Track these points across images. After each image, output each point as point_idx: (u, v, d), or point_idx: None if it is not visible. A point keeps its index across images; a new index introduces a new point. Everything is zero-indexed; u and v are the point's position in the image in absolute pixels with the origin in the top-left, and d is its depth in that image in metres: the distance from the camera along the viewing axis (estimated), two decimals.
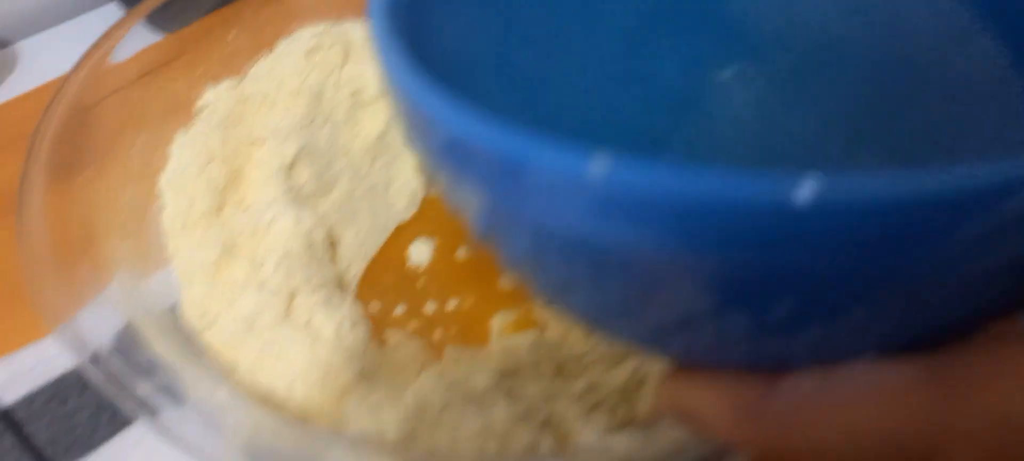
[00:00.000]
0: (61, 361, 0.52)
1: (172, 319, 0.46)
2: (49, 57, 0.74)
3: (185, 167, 0.50)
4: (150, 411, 0.35)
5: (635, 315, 0.19)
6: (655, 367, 0.44)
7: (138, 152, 0.51)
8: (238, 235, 0.49)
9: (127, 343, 0.40)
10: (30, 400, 0.50)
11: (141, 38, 0.53)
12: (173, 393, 0.37)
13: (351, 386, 0.43)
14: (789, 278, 0.15)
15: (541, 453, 0.39)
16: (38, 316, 0.53)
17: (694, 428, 0.22)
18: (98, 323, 0.40)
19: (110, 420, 0.50)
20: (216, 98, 0.54)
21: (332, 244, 0.55)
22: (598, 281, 0.18)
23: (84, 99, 0.48)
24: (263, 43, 0.56)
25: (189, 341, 0.45)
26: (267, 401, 0.42)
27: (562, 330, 0.51)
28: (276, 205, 0.51)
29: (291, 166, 0.53)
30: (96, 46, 0.50)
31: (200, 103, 0.54)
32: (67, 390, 0.51)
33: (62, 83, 0.48)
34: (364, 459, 0.36)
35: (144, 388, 0.36)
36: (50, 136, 0.45)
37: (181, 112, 0.53)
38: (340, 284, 0.52)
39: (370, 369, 0.46)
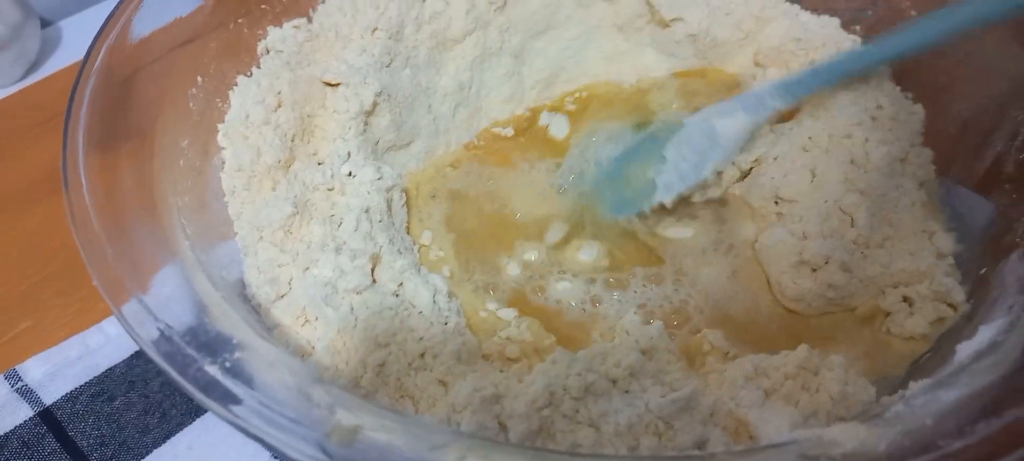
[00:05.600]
0: (107, 353, 0.46)
1: (241, 292, 0.38)
2: (92, 35, 0.71)
3: (248, 114, 0.42)
4: (220, 398, 0.27)
5: None
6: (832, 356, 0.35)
7: (192, 103, 0.43)
8: (311, 192, 0.41)
9: (194, 322, 0.32)
10: (73, 398, 0.44)
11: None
12: (245, 377, 0.29)
13: (453, 370, 0.35)
14: None
15: (713, 450, 0.30)
16: (82, 305, 0.49)
17: None
18: (162, 302, 0.32)
19: (160, 421, 0.43)
20: (282, 38, 0.46)
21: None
22: None
23: (120, 61, 0.41)
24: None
25: (257, 316, 0.36)
26: (355, 385, 0.33)
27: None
28: (355, 157, 0.44)
29: (370, 112, 0.45)
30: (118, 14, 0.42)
31: (264, 44, 0.46)
32: (114, 386, 0.44)
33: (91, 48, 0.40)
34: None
35: (212, 372, 0.28)
36: (87, 106, 0.38)
37: (243, 55, 0.46)
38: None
39: (470, 350, 0.37)
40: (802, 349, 0.35)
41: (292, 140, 0.43)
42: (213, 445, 0.42)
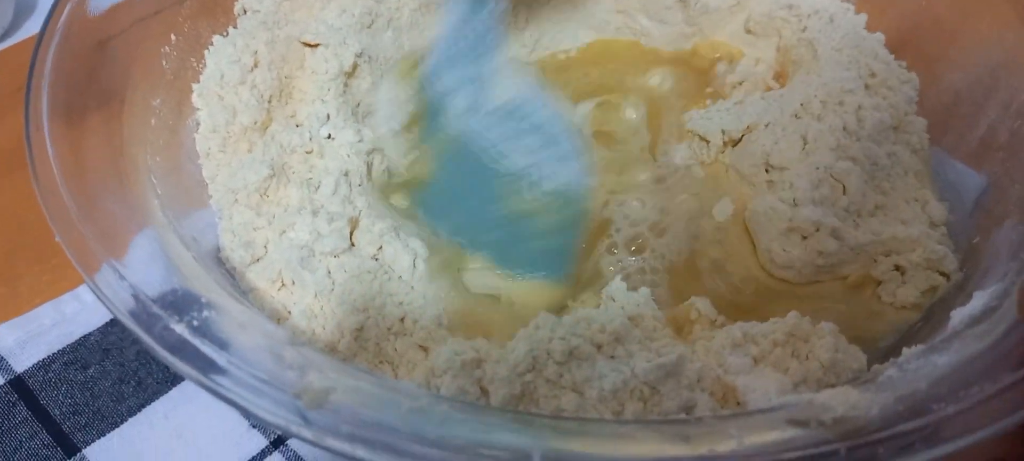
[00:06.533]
0: (82, 320, 0.44)
1: (216, 257, 0.37)
2: None
3: (224, 73, 0.41)
4: (195, 365, 0.26)
5: None
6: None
7: (165, 62, 0.42)
8: (289, 154, 0.40)
9: (164, 284, 0.31)
10: (45, 366, 0.43)
11: None
12: (214, 337, 0.28)
13: (433, 335, 0.34)
14: None
15: (699, 414, 0.29)
16: (55, 274, 0.47)
17: None
18: (132, 266, 0.31)
19: (136, 389, 0.42)
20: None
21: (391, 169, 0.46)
22: None
23: (81, 35, 0.39)
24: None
25: (232, 280, 0.35)
26: (332, 350, 0.32)
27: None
28: (335, 119, 0.42)
29: (350, 74, 0.44)
30: None
31: (240, 4, 0.45)
32: (87, 355, 0.43)
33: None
34: (467, 427, 0.26)
35: (180, 331, 0.27)
36: (51, 68, 0.36)
37: (218, 15, 0.44)
38: (408, 214, 0.43)
39: (456, 315, 0.36)
40: (792, 316, 0.34)
41: (269, 101, 0.42)
42: (190, 414, 0.41)
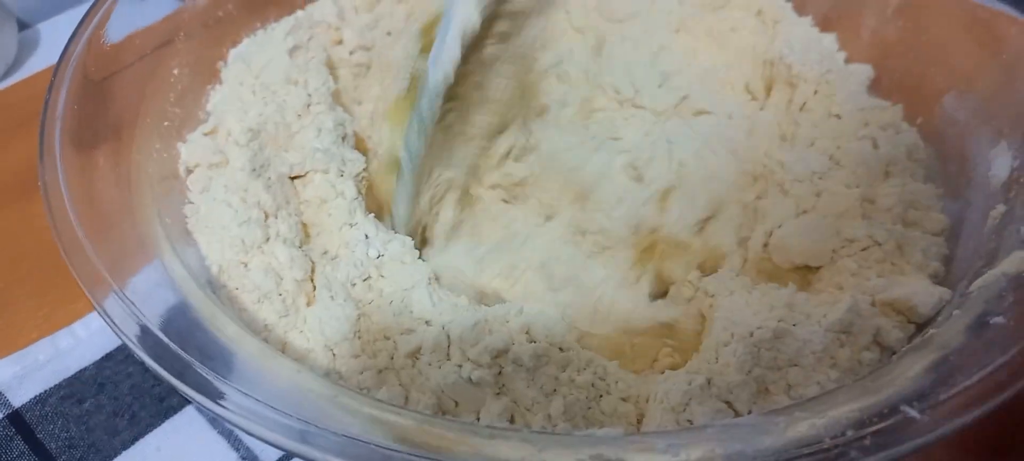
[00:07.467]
0: (77, 354, 0.46)
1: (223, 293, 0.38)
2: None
3: (244, 239, 0.39)
4: (207, 394, 0.28)
5: None
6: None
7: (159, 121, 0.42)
8: (352, 287, 0.38)
9: (183, 321, 0.32)
10: (42, 401, 0.44)
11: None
12: (231, 372, 0.29)
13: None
14: None
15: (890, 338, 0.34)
16: (52, 308, 0.48)
17: None
18: (143, 298, 0.32)
19: (129, 423, 0.43)
20: (212, 152, 0.42)
21: None
22: None
23: (92, 70, 0.40)
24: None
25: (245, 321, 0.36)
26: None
27: None
28: (375, 237, 0.40)
29: (367, 193, 0.43)
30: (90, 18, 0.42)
31: (184, 164, 0.43)
32: (83, 389, 0.44)
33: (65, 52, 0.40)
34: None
35: (198, 368, 0.29)
36: (63, 108, 0.38)
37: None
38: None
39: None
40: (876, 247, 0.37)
41: (300, 247, 0.40)
42: (181, 446, 0.42)
